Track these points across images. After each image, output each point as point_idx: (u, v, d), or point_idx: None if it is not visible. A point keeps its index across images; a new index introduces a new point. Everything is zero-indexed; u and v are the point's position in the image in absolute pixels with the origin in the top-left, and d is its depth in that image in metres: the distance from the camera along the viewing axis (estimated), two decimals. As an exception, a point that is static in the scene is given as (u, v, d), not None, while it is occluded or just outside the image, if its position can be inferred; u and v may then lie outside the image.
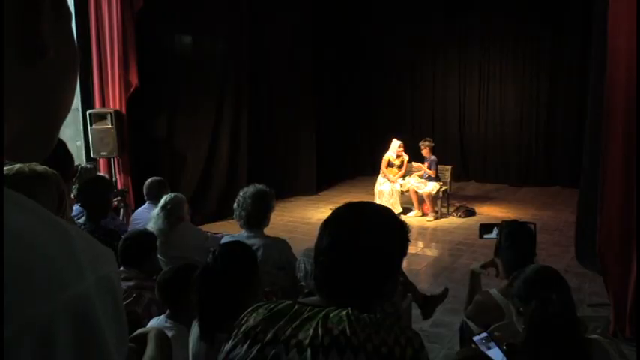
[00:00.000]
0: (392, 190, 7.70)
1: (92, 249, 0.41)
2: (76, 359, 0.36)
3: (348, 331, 1.11)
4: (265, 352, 1.15)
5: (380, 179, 7.91)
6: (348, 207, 1.33)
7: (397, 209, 7.44)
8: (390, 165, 7.83)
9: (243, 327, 1.22)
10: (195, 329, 1.94)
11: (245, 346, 1.18)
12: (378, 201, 7.48)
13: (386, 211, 1.38)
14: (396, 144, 7.89)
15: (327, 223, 1.27)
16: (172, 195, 3.60)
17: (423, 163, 7.76)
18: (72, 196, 3.45)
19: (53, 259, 0.37)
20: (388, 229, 1.27)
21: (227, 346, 1.22)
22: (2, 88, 0.36)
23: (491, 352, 1.90)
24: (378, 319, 1.16)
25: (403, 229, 1.29)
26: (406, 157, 7.86)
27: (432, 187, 7.56)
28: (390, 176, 7.76)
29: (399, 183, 7.90)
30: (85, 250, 0.40)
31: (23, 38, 0.38)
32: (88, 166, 4.45)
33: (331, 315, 1.15)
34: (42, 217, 0.39)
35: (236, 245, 2.11)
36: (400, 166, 7.83)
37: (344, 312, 1.15)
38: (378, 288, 1.27)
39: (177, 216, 3.50)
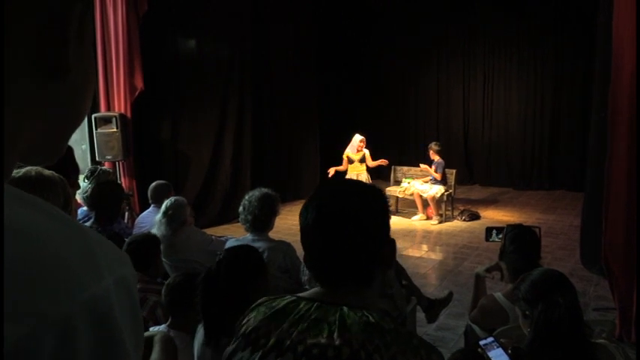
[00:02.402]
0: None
1: (108, 249, 0.42)
2: (96, 359, 0.37)
3: (370, 346, 1.00)
4: (268, 358, 1.05)
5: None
6: (324, 185, 1.36)
7: None
8: (350, 161, 7.55)
9: (243, 328, 1.13)
10: (200, 333, 1.95)
11: (246, 352, 1.08)
12: None
13: (359, 181, 1.36)
14: (357, 138, 7.61)
15: (308, 201, 1.17)
16: (173, 199, 3.52)
17: (430, 165, 7.76)
18: (85, 196, 3.45)
19: (72, 259, 0.38)
20: (368, 194, 1.18)
21: (228, 350, 1.14)
22: (2, 95, 0.38)
23: (496, 357, 1.89)
24: (403, 334, 1.04)
25: (380, 192, 1.21)
26: (366, 151, 7.58)
27: (437, 190, 7.54)
28: (357, 170, 7.48)
29: (403, 187, 7.89)
30: (102, 250, 0.41)
31: (48, 59, 0.40)
32: (108, 170, 4.42)
33: (349, 322, 1.03)
34: (59, 218, 0.40)
35: (241, 250, 2.11)
36: (362, 160, 7.55)
37: (363, 318, 1.03)
38: (376, 253, 1.13)
39: (179, 220, 3.46)
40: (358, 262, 1.11)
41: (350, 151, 7.63)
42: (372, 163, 7.59)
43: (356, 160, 7.54)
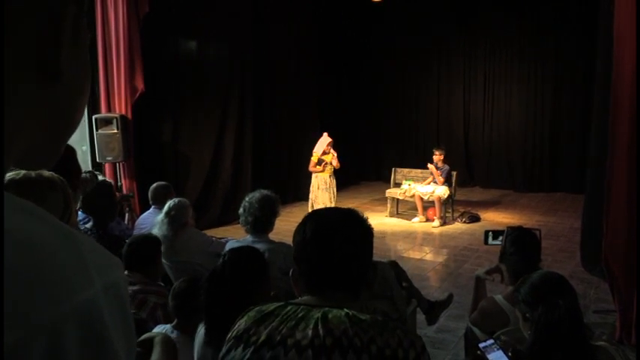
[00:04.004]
0: (325, 189, 7.20)
1: (99, 255, 0.42)
2: None
3: (350, 332, 1.12)
4: (261, 353, 1.14)
5: (313, 183, 7.35)
6: (316, 210, 1.47)
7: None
8: (319, 162, 7.24)
9: (235, 332, 1.22)
10: (200, 333, 1.95)
11: (239, 350, 1.17)
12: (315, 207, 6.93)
13: (347, 208, 1.44)
14: (326, 140, 7.22)
15: (304, 221, 1.32)
16: (176, 200, 3.56)
17: (435, 169, 7.77)
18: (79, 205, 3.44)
19: (62, 264, 0.38)
20: (356, 216, 1.35)
21: (221, 353, 1.22)
22: (2, 99, 0.38)
23: (496, 359, 1.89)
24: (380, 320, 1.16)
25: (364, 217, 1.37)
26: (334, 153, 7.25)
27: (442, 191, 7.54)
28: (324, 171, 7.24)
29: (404, 189, 7.88)
30: (92, 255, 0.41)
31: (41, 62, 0.41)
32: (87, 177, 4.35)
33: (330, 316, 1.15)
34: (49, 222, 0.40)
35: (245, 251, 2.11)
36: (331, 162, 7.24)
37: (342, 312, 1.15)
38: (364, 267, 1.29)
39: (181, 221, 3.48)
40: (348, 272, 1.26)
41: (318, 153, 7.23)
42: (337, 165, 7.30)
43: (328, 161, 7.21)
